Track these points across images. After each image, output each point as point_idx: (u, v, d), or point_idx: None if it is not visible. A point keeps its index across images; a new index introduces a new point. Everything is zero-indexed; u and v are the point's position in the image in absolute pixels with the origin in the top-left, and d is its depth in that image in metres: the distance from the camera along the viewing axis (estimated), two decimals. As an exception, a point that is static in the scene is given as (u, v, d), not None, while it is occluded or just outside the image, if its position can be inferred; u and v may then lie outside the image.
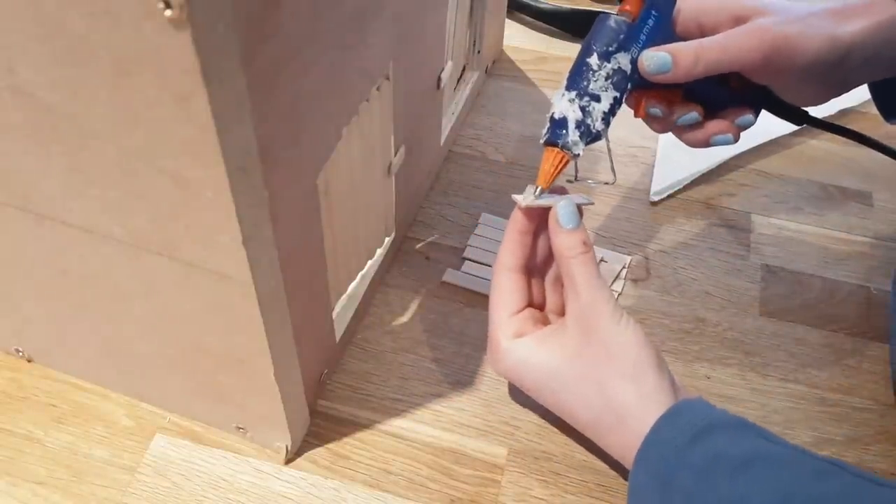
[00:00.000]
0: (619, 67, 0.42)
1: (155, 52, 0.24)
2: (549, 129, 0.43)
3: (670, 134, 0.65)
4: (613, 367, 0.40)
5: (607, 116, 0.43)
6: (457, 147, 0.63)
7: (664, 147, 0.63)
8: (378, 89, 0.41)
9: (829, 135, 0.65)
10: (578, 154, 0.43)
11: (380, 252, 0.52)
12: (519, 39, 0.74)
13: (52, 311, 0.41)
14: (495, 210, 0.58)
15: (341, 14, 0.34)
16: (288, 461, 0.44)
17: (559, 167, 0.43)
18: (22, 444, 0.44)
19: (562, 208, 0.42)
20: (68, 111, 0.28)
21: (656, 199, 0.60)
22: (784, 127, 0.64)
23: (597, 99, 0.42)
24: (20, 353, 0.47)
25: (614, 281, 0.54)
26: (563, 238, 0.42)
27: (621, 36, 0.42)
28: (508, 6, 0.72)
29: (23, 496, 0.42)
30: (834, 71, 0.42)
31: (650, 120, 0.46)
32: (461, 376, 0.48)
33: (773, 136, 0.64)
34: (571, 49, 0.73)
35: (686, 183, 0.61)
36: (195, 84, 0.24)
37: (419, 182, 0.56)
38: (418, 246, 0.56)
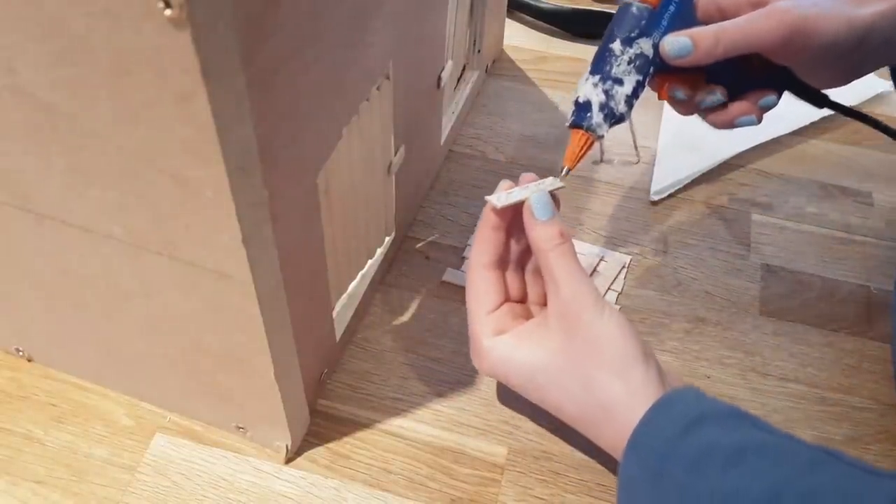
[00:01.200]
0: (642, 52, 0.44)
1: (155, 51, 0.24)
2: (574, 112, 0.45)
3: (670, 133, 0.65)
4: (599, 361, 0.39)
5: (630, 99, 0.44)
6: (457, 147, 0.63)
7: (664, 147, 0.63)
8: (378, 89, 0.41)
9: (829, 134, 0.65)
10: (602, 135, 0.44)
11: (380, 252, 0.52)
12: (519, 39, 0.74)
13: (52, 311, 0.41)
14: (495, 210, 0.58)
15: (341, 13, 0.34)
16: (288, 460, 0.44)
17: (584, 148, 0.44)
18: (22, 443, 0.44)
19: (535, 200, 0.42)
20: (68, 111, 0.28)
21: (656, 198, 0.60)
22: (784, 126, 0.64)
23: (620, 83, 0.44)
24: (20, 353, 0.47)
25: (614, 281, 0.54)
26: (539, 230, 0.41)
27: (643, 22, 0.44)
28: (508, 6, 0.72)
29: (22, 495, 0.42)
30: (852, 53, 0.43)
31: (674, 103, 0.47)
32: (461, 376, 0.48)
33: (775, 135, 0.64)
34: (571, 49, 0.73)
35: (686, 182, 0.61)
36: (195, 84, 0.24)
37: (419, 182, 0.56)
38: (418, 246, 0.56)
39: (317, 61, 0.32)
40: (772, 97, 0.46)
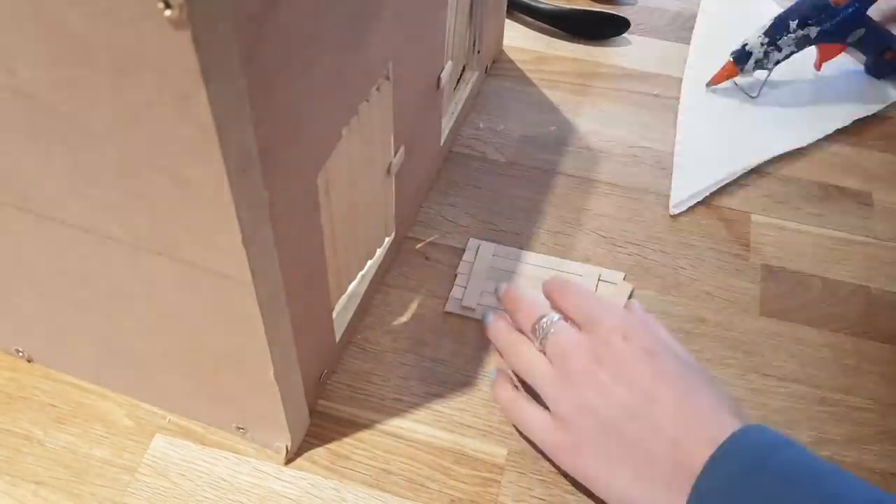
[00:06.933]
0: (808, 35, 0.61)
1: (155, 52, 0.24)
2: (738, 51, 0.64)
3: (690, 141, 0.65)
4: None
5: (779, 62, 0.64)
6: (457, 147, 0.63)
7: (683, 157, 0.63)
8: (378, 89, 0.41)
9: (829, 134, 0.65)
10: (741, 73, 0.65)
11: (380, 252, 0.52)
12: (519, 39, 0.74)
13: (52, 311, 0.41)
14: (494, 210, 0.58)
15: (341, 14, 0.34)
16: (288, 461, 0.44)
17: (727, 76, 0.66)
18: (21, 443, 0.44)
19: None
20: (68, 111, 0.28)
21: (676, 212, 0.59)
22: (810, 135, 0.64)
23: (779, 50, 0.63)
24: (20, 353, 0.47)
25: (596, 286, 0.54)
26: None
27: (822, 14, 0.60)
28: (508, 6, 0.72)
29: (22, 496, 0.42)
30: None
31: None
32: (461, 376, 0.48)
33: (797, 145, 0.63)
34: (571, 49, 0.73)
35: (707, 194, 0.60)
36: (195, 84, 0.24)
37: (419, 182, 0.56)
38: (418, 246, 0.56)
39: (316, 62, 0.32)
40: None
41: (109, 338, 0.41)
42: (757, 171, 0.62)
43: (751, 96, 0.67)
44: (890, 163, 0.64)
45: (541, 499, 0.43)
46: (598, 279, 0.54)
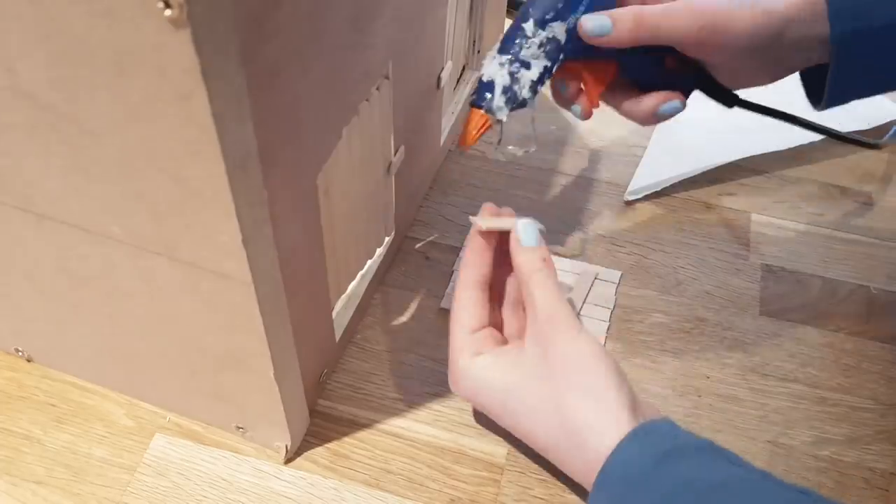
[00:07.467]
0: (554, 37, 0.42)
1: (155, 51, 0.24)
2: (476, 90, 0.43)
3: (662, 135, 0.64)
4: (571, 383, 0.39)
5: (535, 85, 0.43)
6: (456, 146, 0.63)
7: (651, 149, 0.63)
8: (378, 89, 0.41)
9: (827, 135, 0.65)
10: (502, 119, 0.43)
11: (380, 252, 0.52)
12: (519, 39, 0.74)
13: (52, 311, 0.41)
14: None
15: (341, 14, 0.34)
16: (288, 461, 0.44)
17: (482, 129, 0.43)
18: (21, 443, 0.44)
19: (522, 226, 0.43)
20: (68, 111, 0.28)
21: (630, 198, 0.59)
22: (773, 143, 0.63)
23: (527, 66, 0.42)
24: (20, 353, 0.47)
25: (588, 293, 0.53)
26: (524, 255, 0.42)
27: (559, 5, 0.41)
28: (508, 6, 0.72)
29: (22, 496, 0.42)
30: (769, 48, 0.42)
31: (559, 97, 0.47)
32: (461, 376, 0.48)
33: (763, 150, 0.62)
34: (571, 49, 0.73)
35: (664, 186, 0.60)
36: (195, 83, 0.24)
37: (419, 182, 0.56)
38: (418, 246, 0.56)
39: (317, 62, 0.32)
40: (676, 103, 0.45)
41: (109, 337, 0.41)
42: (757, 172, 0.62)
43: (527, 151, 0.50)
44: (890, 163, 0.64)
45: (541, 499, 0.43)
46: (595, 278, 0.54)
